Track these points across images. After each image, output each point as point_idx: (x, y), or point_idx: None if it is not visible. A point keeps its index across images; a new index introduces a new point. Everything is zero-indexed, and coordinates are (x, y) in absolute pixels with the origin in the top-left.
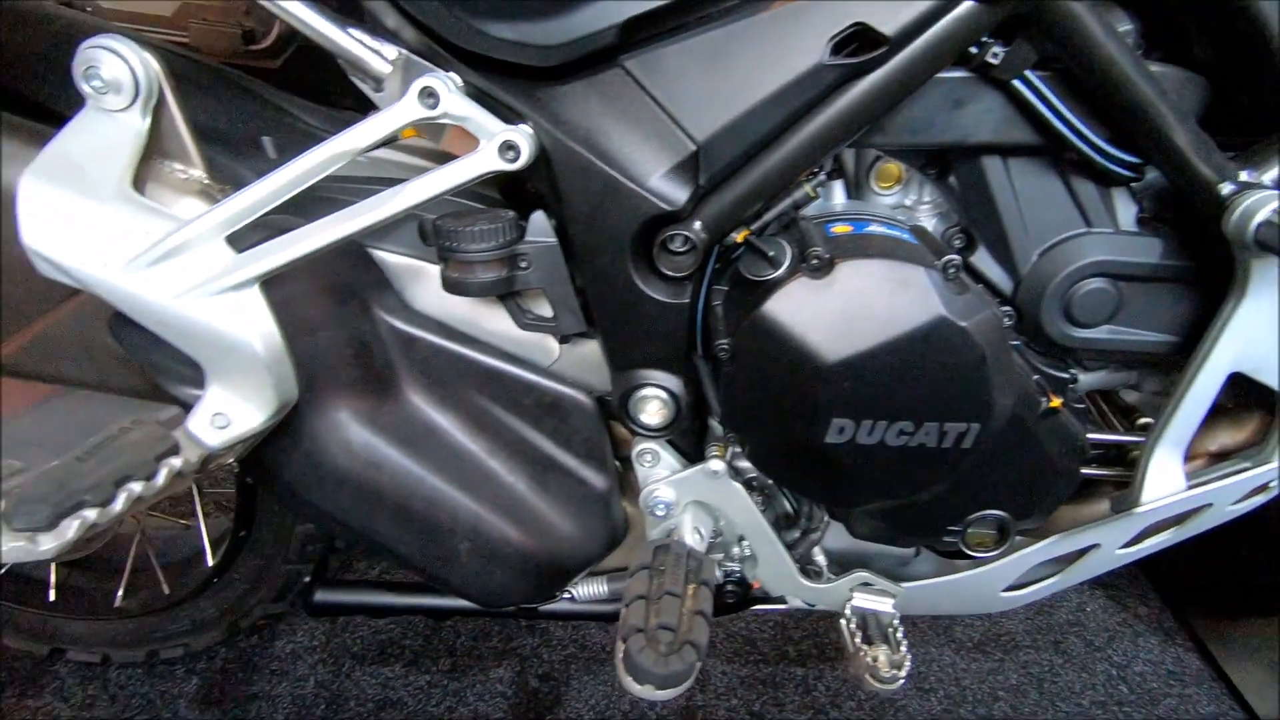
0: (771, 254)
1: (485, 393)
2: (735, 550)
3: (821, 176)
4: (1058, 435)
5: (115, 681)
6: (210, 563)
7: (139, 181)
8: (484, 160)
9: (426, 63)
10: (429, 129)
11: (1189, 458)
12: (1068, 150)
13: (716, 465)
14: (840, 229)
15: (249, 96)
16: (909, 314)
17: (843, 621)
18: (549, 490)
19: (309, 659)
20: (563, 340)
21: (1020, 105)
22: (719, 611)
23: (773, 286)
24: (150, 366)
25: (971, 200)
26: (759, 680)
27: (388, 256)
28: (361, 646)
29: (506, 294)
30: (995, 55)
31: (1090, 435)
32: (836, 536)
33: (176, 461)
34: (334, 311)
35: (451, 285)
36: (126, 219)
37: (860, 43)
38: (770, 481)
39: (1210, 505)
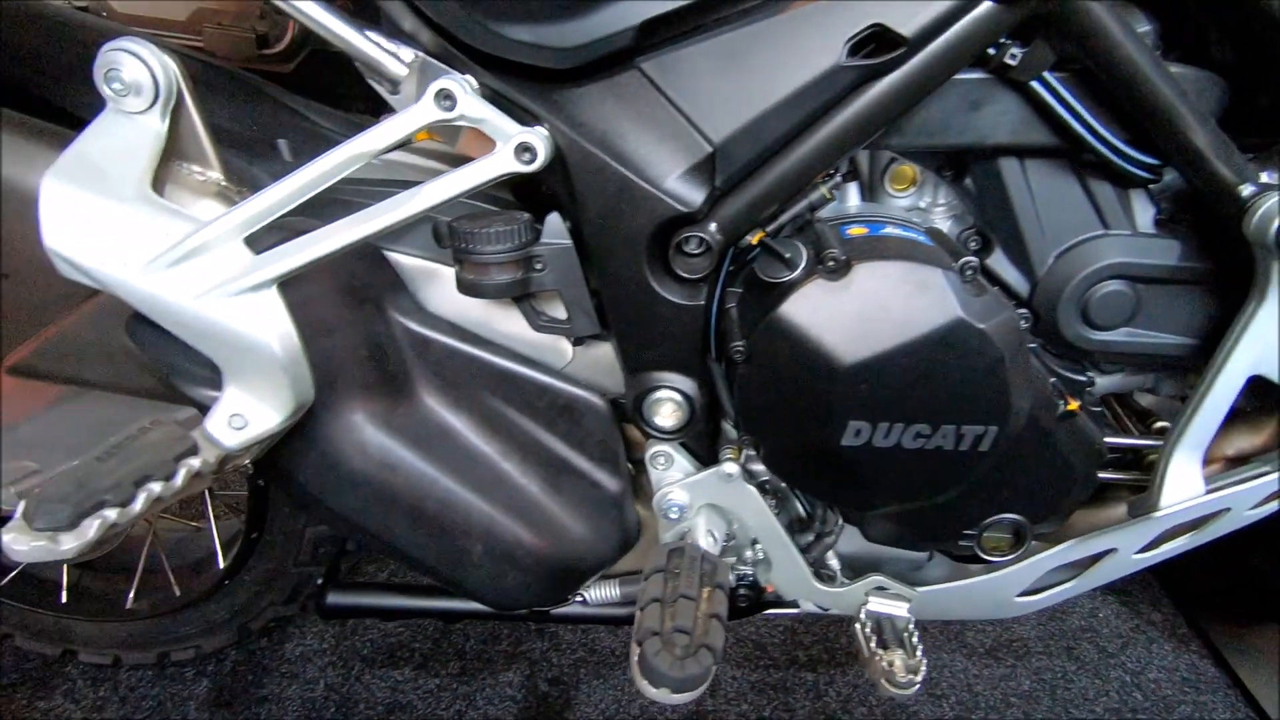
0: (787, 256)
1: (499, 395)
2: (748, 554)
3: (837, 178)
4: (1075, 438)
5: (126, 683)
6: (221, 565)
7: (158, 183)
8: (500, 162)
9: (443, 65)
10: (444, 131)
11: (1206, 462)
12: (1085, 152)
13: (730, 468)
14: (856, 231)
15: (264, 100)
16: (926, 316)
17: (858, 626)
18: (562, 492)
19: (319, 662)
20: (577, 342)
21: (1038, 107)
22: (731, 615)
23: (789, 288)
24: (167, 368)
25: (988, 202)
26: (769, 685)
27: (403, 258)
28: (371, 649)
29: (521, 296)
30: (1013, 56)
31: (1107, 439)
32: (850, 540)
33: (195, 462)
34: (350, 313)
35: (466, 287)
36: (146, 220)
37: (878, 44)
38: (784, 484)
39: (1228, 510)
